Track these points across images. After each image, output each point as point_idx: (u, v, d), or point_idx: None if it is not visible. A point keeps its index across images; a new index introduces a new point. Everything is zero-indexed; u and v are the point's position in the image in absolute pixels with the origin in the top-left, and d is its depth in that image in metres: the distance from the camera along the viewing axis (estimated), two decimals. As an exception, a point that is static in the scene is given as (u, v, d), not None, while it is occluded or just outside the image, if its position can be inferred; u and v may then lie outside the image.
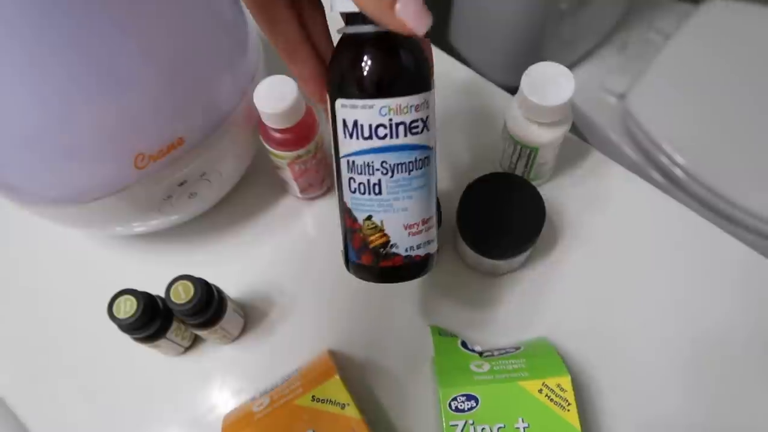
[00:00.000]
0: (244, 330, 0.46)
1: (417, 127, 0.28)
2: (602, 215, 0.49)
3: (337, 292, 0.47)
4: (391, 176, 0.28)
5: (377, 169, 0.28)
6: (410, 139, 0.28)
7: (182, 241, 0.49)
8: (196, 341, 0.46)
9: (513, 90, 0.46)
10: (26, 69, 0.31)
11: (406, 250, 0.30)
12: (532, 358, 0.40)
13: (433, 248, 0.32)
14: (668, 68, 0.89)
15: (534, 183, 0.48)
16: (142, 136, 0.36)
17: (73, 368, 0.46)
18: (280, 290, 0.47)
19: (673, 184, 0.87)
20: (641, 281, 0.46)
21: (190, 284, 0.39)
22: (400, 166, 0.28)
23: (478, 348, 0.42)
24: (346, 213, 0.31)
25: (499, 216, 0.43)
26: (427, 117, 0.28)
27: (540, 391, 0.38)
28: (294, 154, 0.43)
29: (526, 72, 0.42)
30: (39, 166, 0.35)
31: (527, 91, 0.41)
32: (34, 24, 0.30)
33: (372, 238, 0.30)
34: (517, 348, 0.42)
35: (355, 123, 0.28)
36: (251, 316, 0.47)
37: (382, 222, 0.29)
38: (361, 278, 0.32)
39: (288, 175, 0.46)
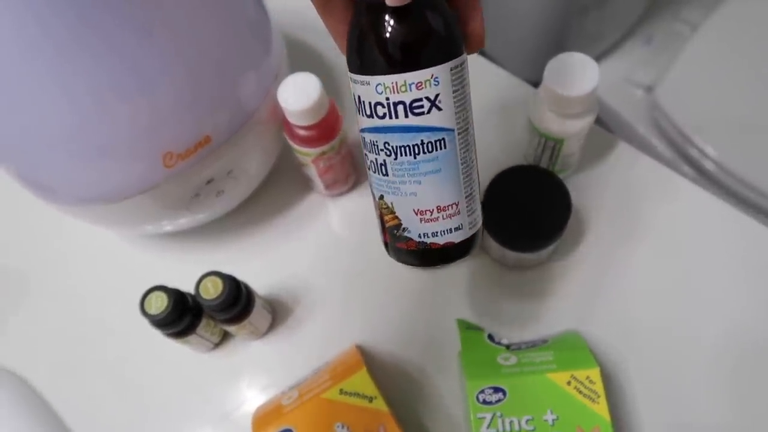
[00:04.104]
0: (272, 325, 0.47)
1: (421, 106, 0.25)
2: (630, 207, 0.48)
3: (363, 288, 0.47)
4: (395, 158, 0.26)
5: (381, 150, 0.26)
6: (413, 120, 0.25)
7: (210, 239, 0.50)
8: (225, 337, 0.47)
9: (537, 85, 0.46)
10: (59, 70, 0.33)
11: (420, 236, 0.28)
12: (560, 351, 0.40)
13: (458, 237, 0.28)
14: (696, 59, 0.87)
15: (560, 175, 0.48)
16: (170, 135, 0.37)
17: (108, 364, 0.47)
18: (307, 286, 0.48)
19: (705, 176, 0.85)
20: (672, 274, 0.45)
21: (219, 280, 0.40)
22: (403, 149, 0.26)
23: (505, 341, 0.42)
24: (371, 188, 0.29)
25: (525, 209, 0.43)
26: (437, 95, 0.25)
27: (569, 383, 0.38)
28: (318, 150, 0.43)
29: (550, 62, 0.42)
30: (70, 167, 0.36)
31: (551, 82, 0.41)
32: (68, 25, 0.31)
33: (386, 218, 0.28)
34: (545, 341, 0.42)
35: (359, 99, 0.26)
36: (279, 312, 0.47)
37: (392, 204, 0.28)
38: (389, 255, 0.31)
39: (313, 171, 0.46)
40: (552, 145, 0.44)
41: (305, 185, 0.51)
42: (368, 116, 0.26)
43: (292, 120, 0.42)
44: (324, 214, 0.51)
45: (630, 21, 0.97)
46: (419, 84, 0.25)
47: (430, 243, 0.28)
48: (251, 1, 0.42)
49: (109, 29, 0.33)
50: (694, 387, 0.42)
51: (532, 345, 0.42)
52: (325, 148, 0.43)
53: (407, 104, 0.25)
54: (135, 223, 0.43)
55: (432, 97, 0.25)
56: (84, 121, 0.34)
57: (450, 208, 0.28)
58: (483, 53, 0.99)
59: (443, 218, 0.28)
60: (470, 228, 0.29)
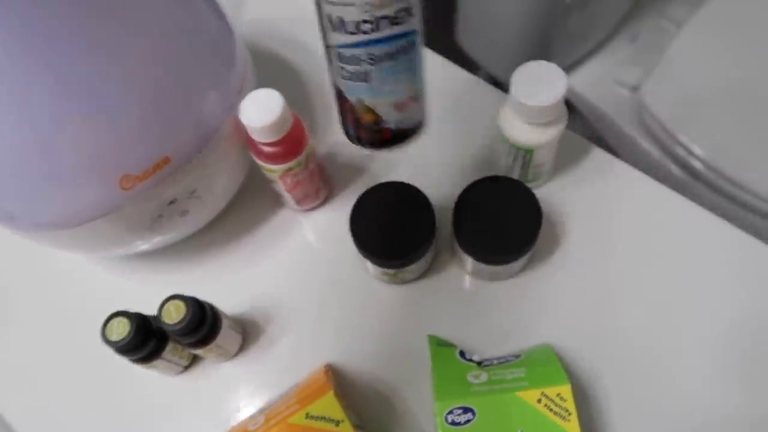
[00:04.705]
0: (243, 346, 0.46)
1: (400, 16, 0.29)
2: (606, 215, 0.47)
3: (336, 305, 0.47)
4: (378, 65, 0.31)
5: (363, 60, 0.30)
6: (394, 29, 0.30)
7: (180, 259, 0.49)
8: (195, 359, 0.46)
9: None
10: (7, 90, 0.32)
11: (395, 124, 0.34)
12: (531, 366, 0.39)
13: (420, 118, 0.35)
14: (681, 57, 0.86)
15: (533, 184, 0.47)
16: (125, 158, 0.36)
17: (73, 389, 0.46)
18: (279, 304, 0.47)
19: (693, 176, 0.84)
20: (650, 282, 0.44)
21: (181, 304, 0.39)
22: (386, 56, 0.30)
23: (476, 357, 0.41)
24: (338, 94, 0.34)
25: (495, 221, 0.42)
26: (409, 5, 0.29)
27: (539, 401, 0.37)
28: (284, 167, 0.43)
29: (517, 71, 0.41)
30: (23, 192, 0.36)
31: (517, 92, 0.40)
32: (16, 44, 0.31)
33: (364, 117, 0.33)
34: (517, 356, 0.41)
35: (341, 20, 0.29)
36: (250, 332, 0.46)
37: (372, 104, 0.33)
38: (358, 145, 0.36)
39: (281, 188, 0.46)
40: (523, 154, 0.44)
41: (276, 201, 0.50)
42: (351, 33, 0.30)
43: (255, 137, 0.41)
44: (296, 229, 0.50)
45: (615, 20, 0.96)
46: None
47: (403, 127, 0.35)
48: (212, 15, 0.42)
49: (61, 48, 0.32)
50: (672, 400, 0.41)
51: (505, 361, 0.41)
52: (291, 164, 0.43)
53: (390, 17, 0.29)
54: (97, 247, 0.42)
55: (407, 7, 0.30)
56: (33, 146, 0.34)
57: (416, 95, 0.34)
58: (469, 59, 0.98)
59: (412, 105, 0.34)
60: (425, 109, 0.35)
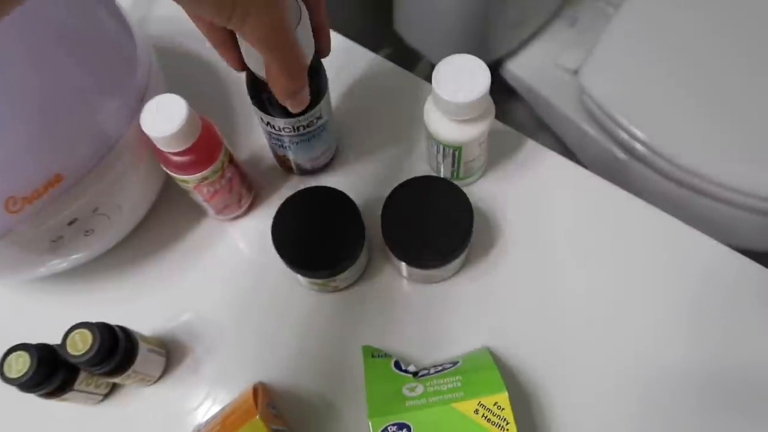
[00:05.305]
0: (167, 368, 0.43)
1: (313, 122, 0.40)
2: (542, 209, 0.46)
3: (266, 318, 0.44)
4: (296, 146, 0.42)
5: (286, 145, 0.42)
6: (308, 128, 0.40)
7: (93, 280, 0.46)
8: (116, 385, 0.43)
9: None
10: None
11: (311, 167, 0.47)
12: (468, 374, 0.38)
13: (333, 152, 0.47)
14: (619, 39, 0.85)
15: (465, 181, 0.46)
16: (8, 179, 0.32)
17: (-12, 427, 0.43)
18: (205, 322, 0.44)
19: (637, 159, 0.84)
20: (588, 278, 0.43)
21: (87, 332, 0.36)
22: (301, 141, 0.42)
23: (412, 368, 0.39)
24: (271, 146, 0.45)
25: (426, 222, 0.40)
26: (320, 114, 0.40)
27: (476, 411, 0.35)
28: (198, 176, 0.40)
29: (437, 67, 0.39)
30: None
31: (440, 89, 0.38)
32: None
33: (287, 163, 0.46)
34: (455, 363, 0.39)
35: (269, 123, 0.40)
36: (175, 353, 0.44)
37: (293, 159, 0.45)
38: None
39: (198, 198, 0.43)
40: (451, 152, 0.42)
41: (199, 210, 0.47)
42: (293, 132, 0.40)
43: (160, 146, 0.38)
44: (221, 240, 0.47)
45: (554, 4, 0.95)
46: (311, 116, 0.40)
47: (316, 166, 0.47)
48: (105, 15, 0.38)
49: None
50: (615, 402, 0.40)
51: (442, 369, 0.39)
52: (205, 173, 0.40)
53: (305, 125, 0.40)
54: (-8, 274, 0.38)
55: (319, 115, 0.40)
56: None
57: (329, 147, 0.46)
58: (410, 48, 0.96)
59: (326, 154, 0.46)
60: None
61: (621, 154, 0.86)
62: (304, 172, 0.47)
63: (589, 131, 0.89)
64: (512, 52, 0.95)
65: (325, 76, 0.39)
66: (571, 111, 0.90)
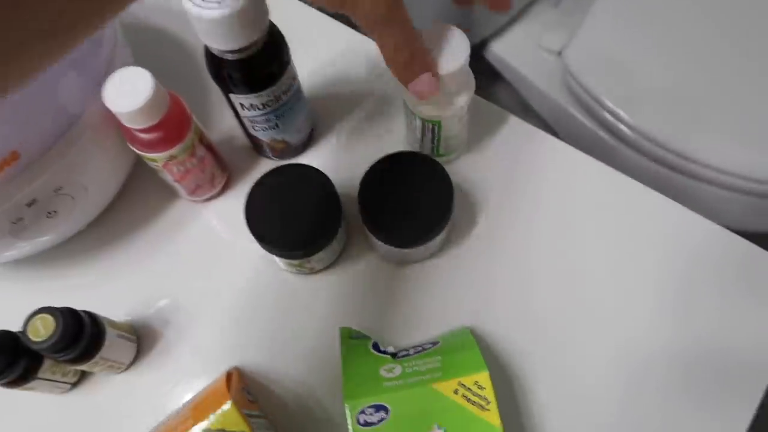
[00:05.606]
0: (139, 354, 0.42)
1: (290, 85, 0.39)
2: (524, 186, 0.44)
3: (242, 302, 0.43)
4: (282, 118, 0.40)
5: (272, 120, 0.40)
6: (288, 94, 0.39)
7: (60, 264, 0.44)
8: (85, 373, 0.41)
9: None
10: None
11: (299, 140, 0.45)
12: (449, 354, 0.37)
13: (303, 137, 0.46)
14: (603, 19, 0.84)
15: (446, 159, 0.44)
16: (-41, 156, 0.31)
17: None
18: (179, 306, 0.43)
19: (622, 142, 0.83)
20: (572, 257, 0.42)
21: (50, 317, 0.34)
22: (287, 110, 0.40)
23: (390, 349, 0.38)
24: (253, 138, 0.43)
25: (404, 200, 0.39)
26: (294, 74, 0.39)
27: (456, 391, 0.34)
28: (166, 154, 0.38)
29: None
30: None
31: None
32: None
33: (276, 146, 0.44)
34: (435, 343, 0.38)
35: (251, 104, 0.38)
36: (146, 339, 0.42)
37: (282, 138, 0.43)
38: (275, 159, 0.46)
39: (169, 178, 0.41)
40: (431, 127, 0.40)
41: (171, 192, 0.46)
42: (260, 110, 0.39)
43: (126, 123, 0.36)
44: (194, 222, 0.45)
45: (537, -16, 0.94)
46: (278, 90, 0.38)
47: (305, 138, 0.46)
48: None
49: None
50: (601, 379, 0.39)
51: (421, 350, 0.38)
52: (173, 151, 0.38)
53: (284, 91, 0.38)
54: (-52, 259, 0.36)
55: (294, 75, 0.39)
56: None
57: (309, 113, 0.45)
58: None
59: (308, 121, 0.45)
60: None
61: (606, 136, 0.85)
62: (278, 154, 0.45)
63: (574, 113, 0.88)
64: (496, 33, 0.94)
65: (287, 47, 0.37)
66: (556, 93, 0.89)
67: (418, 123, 0.41)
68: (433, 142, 0.42)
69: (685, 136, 0.77)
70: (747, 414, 0.37)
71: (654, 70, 0.80)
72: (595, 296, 0.41)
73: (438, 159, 0.41)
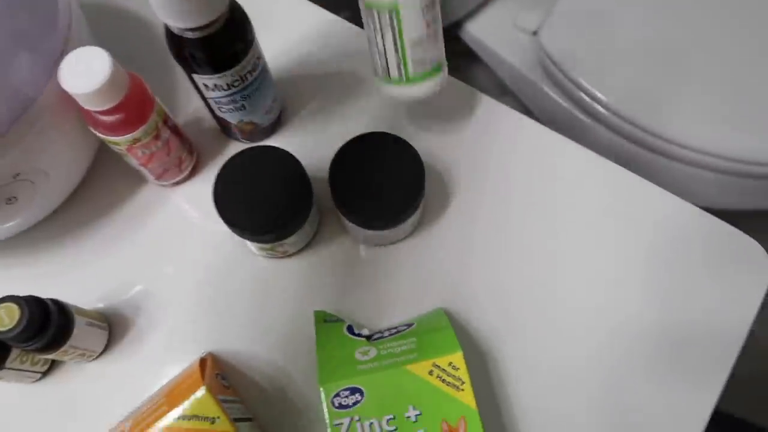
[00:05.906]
0: (109, 343, 0.41)
1: (255, 63, 0.38)
2: (498, 167, 0.44)
3: (214, 286, 0.42)
4: (249, 99, 0.39)
5: (239, 100, 0.39)
6: (254, 73, 0.38)
7: (26, 252, 0.43)
8: (55, 362, 0.41)
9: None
10: None
11: (269, 120, 0.44)
12: (423, 335, 0.36)
13: (271, 119, 0.44)
14: (578, -2, 0.84)
15: (420, 85, 0.38)
16: None
17: None
18: (149, 292, 0.42)
19: (599, 122, 0.83)
20: (545, 236, 0.42)
21: (14, 306, 0.33)
22: (253, 90, 0.39)
23: (365, 332, 0.38)
24: (220, 120, 0.42)
25: (376, 181, 0.38)
26: (259, 54, 0.38)
27: (431, 372, 0.34)
28: (129, 137, 0.37)
29: None
30: None
31: None
32: None
33: (245, 128, 0.43)
34: (410, 325, 0.38)
35: (215, 85, 0.37)
36: (118, 326, 0.41)
37: (250, 120, 0.42)
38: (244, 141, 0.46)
39: (134, 162, 0.40)
40: (388, 20, 0.35)
41: (139, 177, 0.44)
42: (225, 90, 0.37)
43: (84, 105, 0.35)
44: (163, 206, 0.44)
45: (513, -38, 0.93)
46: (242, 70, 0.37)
47: (274, 119, 0.45)
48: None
49: None
50: (573, 357, 0.39)
51: (396, 332, 0.38)
52: (136, 134, 0.37)
53: (250, 70, 0.37)
54: None
55: (259, 56, 0.38)
56: None
57: (277, 95, 0.43)
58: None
59: (276, 103, 0.44)
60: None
61: (581, 116, 0.85)
62: (247, 136, 0.44)
63: (550, 93, 0.87)
64: (471, 13, 0.93)
65: (251, 25, 0.36)
66: (532, 73, 0.88)
67: (375, 21, 0.36)
68: (397, 51, 0.37)
69: (658, 115, 0.77)
70: (720, 379, 0.38)
71: (629, 49, 0.80)
72: (567, 274, 0.41)
73: (411, 85, 0.37)
